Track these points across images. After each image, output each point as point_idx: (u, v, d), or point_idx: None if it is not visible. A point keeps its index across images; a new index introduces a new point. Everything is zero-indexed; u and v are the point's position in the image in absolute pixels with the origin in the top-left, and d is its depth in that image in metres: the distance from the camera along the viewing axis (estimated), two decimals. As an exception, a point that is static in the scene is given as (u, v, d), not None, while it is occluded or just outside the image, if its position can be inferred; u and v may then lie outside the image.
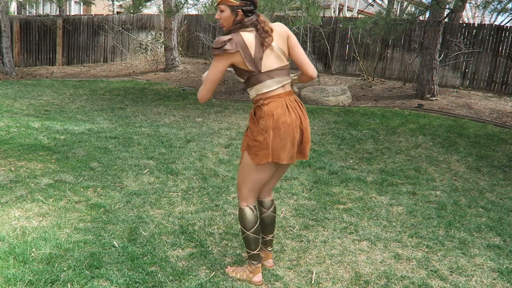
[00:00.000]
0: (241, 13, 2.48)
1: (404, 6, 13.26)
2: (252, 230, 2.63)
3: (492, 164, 5.44)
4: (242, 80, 2.58)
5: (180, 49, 14.27)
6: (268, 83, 2.52)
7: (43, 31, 13.65)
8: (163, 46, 13.59)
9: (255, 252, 2.68)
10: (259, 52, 2.47)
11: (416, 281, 2.82)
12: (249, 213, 2.63)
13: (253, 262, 2.69)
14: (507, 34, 10.03)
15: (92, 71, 13.27)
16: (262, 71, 2.50)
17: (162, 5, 12.66)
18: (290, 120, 2.51)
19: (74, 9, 19.03)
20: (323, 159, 5.29)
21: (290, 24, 10.33)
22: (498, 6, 8.08)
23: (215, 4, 2.59)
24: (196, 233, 3.29)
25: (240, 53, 2.43)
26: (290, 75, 2.67)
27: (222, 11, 2.51)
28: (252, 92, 2.57)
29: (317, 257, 3.07)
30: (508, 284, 2.87)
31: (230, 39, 2.41)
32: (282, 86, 2.57)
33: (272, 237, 2.88)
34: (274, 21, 11.70)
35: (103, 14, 15.46)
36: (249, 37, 2.46)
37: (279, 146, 2.50)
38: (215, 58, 2.45)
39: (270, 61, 2.52)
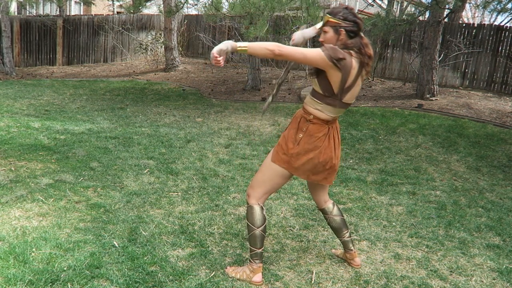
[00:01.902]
0: (344, 33, 2.47)
1: (404, 7, 13.26)
2: (261, 227, 2.67)
3: (492, 164, 5.44)
4: (317, 88, 2.55)
5: (180, 49, 14.27)
6: (336, 110, 2.58)
7: (43, 31, 13.65)
8: (163, 46, 13.59)
9: (259, 250, 2.70)
10: (354, 81, 2.50)
11: (416, 281, 2.82)
12: (259, 210, 2.68)
13: (255, 260, 2.70)
14: (506, 34, 10.03)
15: (92, 71, 13.28)
16: (342, 100, 2.54)
17: (162, 5, 12.66)
18: (323, 145, 2.59)
19: (74, 9, 19.03)
20: (323, 159, 5.28)
21: (290, 24, 10.33)
22: (498, 6, 8.08)
23: (320, 27, 2.58)
24: (196, 233, 3.30)
25: (341, 75, 2.44)
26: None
27: (325, 32, 2.52)
28: (317, 106, 2.57)
29: (317, 257, 3.07)
30: (508, 284, 2.87)
31: (345, 58, 2.40)
32: (337, 115, 2.65)
33: (348, 237, 2.93)
34: (274, 21, 11.66)
35: (103, 14, 15.46)
36: (355, 65, 2.46)
37: (301, 162, 2.60)
38: (322, 54, 2.39)
39: (353, 94, 2.57)
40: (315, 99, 2.58)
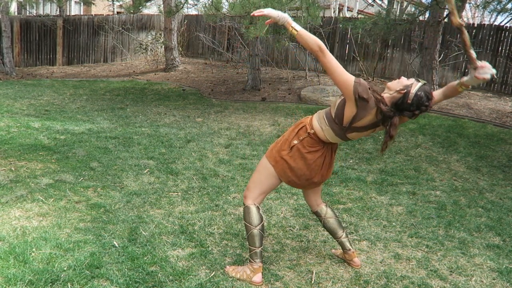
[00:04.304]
0: (400, 97, 2.42)
1: (404, 6, 13.26)
2: (258, 226, 2.69)
3: (491, 164, 5.44)
4: (332, 111, 2.57)
5: (180, 49, 14.27)
6: (336, 139, 2.61)
7: (43, 31, 13.65)
8: (163, 46, 13.59)
9: (258, 249, 2.71)
10: (363, 128, 2.50)
11: (416, 281, 2.82)
12: (255, 210, 2.71)
13: (255, 260, 2.71)
14: (506, 34, 10.03)
15: (92, 71, 13.27)
16: (346, 134, 2.56)
17: (162, 5, 12.66)
18: (312, 159, 2.63)
19: (74, 9, 19.02)
20: (323, 159, 5.28)
21: (290, 24, 10.30)
22: (498, 6, 8.08)
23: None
24: (196, 233, 3.30)
25: (355, 112, 2.44)
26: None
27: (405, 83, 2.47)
28: (323, 125, 2.59)
29: (317, 257, 3.07)
30: (508, 284, 2.88)
31: (367, 101, 2.41)
32: (335, 142, 2.69)
33: (345, 237, 2.93)
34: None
35: (103, 14, 15.45)
36: (372, 114, 2.45)
37: (287, 166, 2.65)
38: (351, 84, 2.39)
39: (358, 136, 2.59)
40: (325, 119, 2.59)
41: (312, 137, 2.62)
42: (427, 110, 2.44)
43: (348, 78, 2.40)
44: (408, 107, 2.42)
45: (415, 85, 2.42)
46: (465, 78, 2.41)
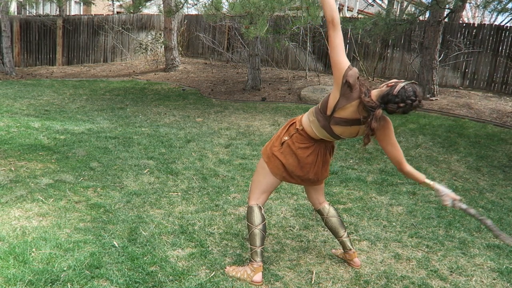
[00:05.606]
0: (387, 90, 2.43)
1: (404, 6, 13.26)
2: (259, 226, 2.71)
3: (492, 164, 5.44)
4: (320, 103, 2.59)
5: (180, 49, 14.26)
6: (322, 131, 2.60)
7: (43, 31, 13.64)
8: (163, 46, 13.58)
9: (259, 249, 2.72)
10: (346, 121, 2.51)
11: (416, 281, 2.82)
12: (257, 210, 2.74)
13: (256, 259, 2.72)
14: (507, 34, 10.03)
15: (92, 71, 13.27)
16: (331, 126, 2.54)
17: (162, 5, 12.64)
18: (303, 156, 2.64)
19: (74, 9, 19.01)
20: (323, 159, 5.28)
21: (290, 24, 10.32)
22: (498, 6, 8.08)
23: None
24: (196, 233, 3.29)
25: (338, 98, 2.46)
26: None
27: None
28: (311, 117, 2.61)
29: (317, 257, 3.07)
30: (508, 284, 2.87)
31: (350, 89, 2.42)
32: (326, 139, 2.68)
33: (346, 237, 2.93)
34: (274, 21, 11.61)
35: (103, 14, 15.45)
36: (353, 107, 2.46)
37: (278, 162, 2.69)
38: (344, 68, 2.42)
39: (343, 132, 2.59)
40: (313, 112, 2.63)
41: (301, 133, 2.65)
42: (412, 106, 2.40)
43: (343, 60, 2.44)
44: (393, 99, 2.42)
45: (405, 82, 2.45)
46: (438, 186, 2.54)
